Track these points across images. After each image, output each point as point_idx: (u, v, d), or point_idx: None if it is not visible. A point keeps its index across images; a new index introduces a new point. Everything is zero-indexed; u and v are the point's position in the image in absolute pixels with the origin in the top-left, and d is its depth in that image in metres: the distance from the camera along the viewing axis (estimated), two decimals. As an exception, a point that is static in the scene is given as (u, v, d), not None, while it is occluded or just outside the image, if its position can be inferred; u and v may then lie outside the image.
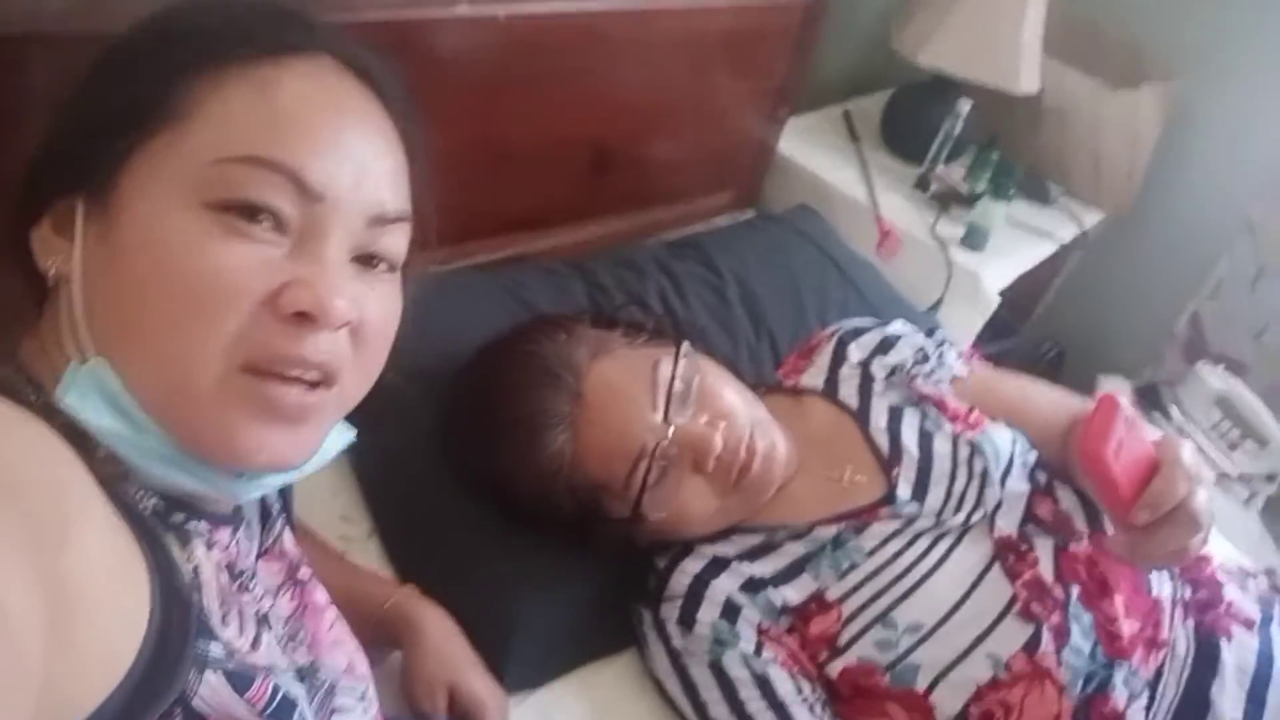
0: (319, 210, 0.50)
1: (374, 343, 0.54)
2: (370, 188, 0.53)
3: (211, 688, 0.46)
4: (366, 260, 0.54)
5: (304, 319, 0.49)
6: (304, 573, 0.66)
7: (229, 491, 0.53)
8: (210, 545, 0.54)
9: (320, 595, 0.66)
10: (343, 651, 0.65)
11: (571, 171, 1.42)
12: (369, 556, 1.02)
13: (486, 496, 0.98)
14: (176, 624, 0.45)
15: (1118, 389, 1.91)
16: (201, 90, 0.49)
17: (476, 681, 0.87)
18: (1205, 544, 0.82)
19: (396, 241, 0.55)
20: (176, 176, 0.48)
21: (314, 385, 0.51)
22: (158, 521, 0.49)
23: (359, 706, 0.63)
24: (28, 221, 0.52)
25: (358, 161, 0.52)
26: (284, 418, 0.50)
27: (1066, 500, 0.98)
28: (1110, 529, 0.94)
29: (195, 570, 0.50)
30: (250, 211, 0.48)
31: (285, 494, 0.70)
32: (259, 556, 0.62)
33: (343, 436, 0.59)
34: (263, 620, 0.57)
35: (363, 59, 0.55)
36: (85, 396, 0.47)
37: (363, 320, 0.52)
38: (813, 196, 1.73)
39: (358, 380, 0.55)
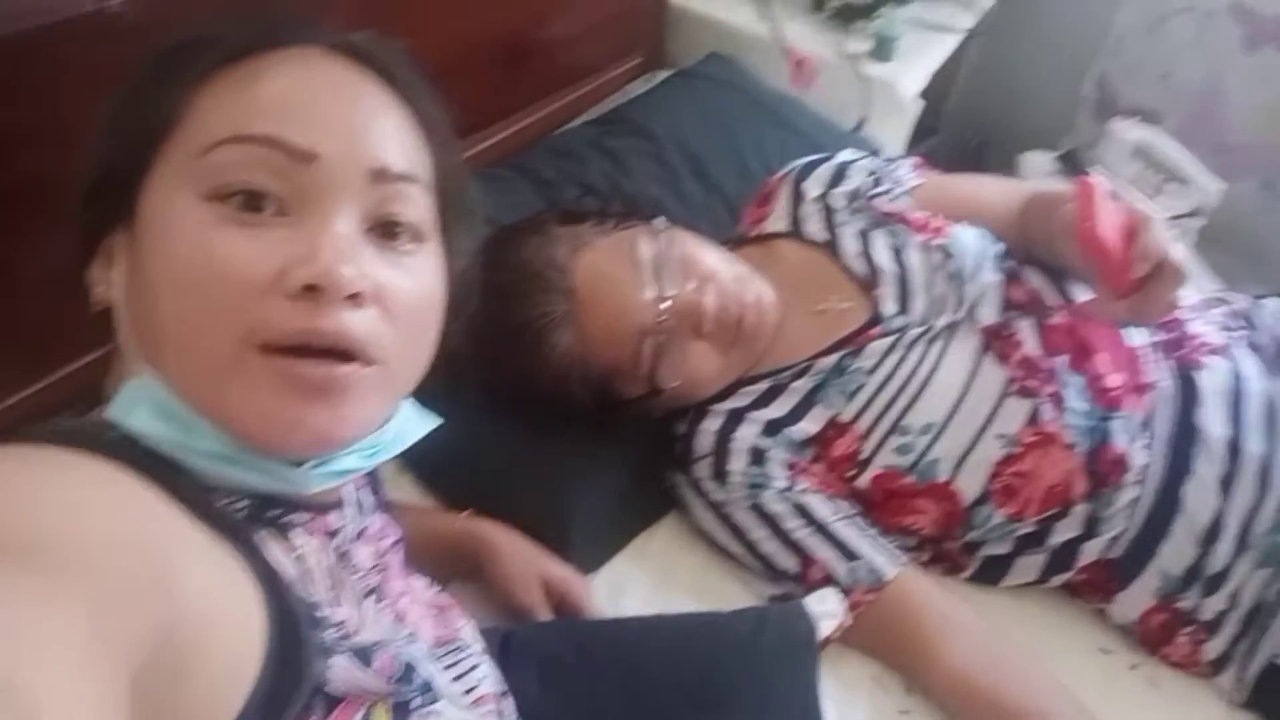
0: (315, 174, 0.49)
1: (408, 317, 0.52)
2: (366, 142, 0.51)
3: (340, 670, 0.48)
4: (387, 232, 0.52)
5: (313, 292, 0.47)
6: (385, 560, 0.67)
7: (293, 483, 0.51)
8: (312, 532, 0.55)
9: (396, 584, 0.66)
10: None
11: (486, 69, 1.40)
12: (406, 491, 1.05)
13: (509, 406, 1.01)
14: (289, 622, 0.46)
15: (1039, 164, 1.98)
16: (191, 97, 0.50)
17: (560, 568, 0.93)
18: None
19: (412, 206, 0.53)
20: (174, 176, 0.49)
21: (344, 360, 0.49)
22: (252, 523, 0.50)
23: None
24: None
25: (347, 120, 0.51)
26: (315, 392, 0.48)
27: (1036, 280, 1.04)
28: (1083, 296, 1.02)
29: (299, 559, 0.52)
30: (250, 200, 0.48)
31: (375, 482, 0.70)
32: (356, 539, 0.62)
33: (423, 423, 0.60)
34: (369, 594, 0.59)
35: (357, 44, 0.55)
36: (134, 408, 0.48)
37: (384, 292, 0.50)
38: (718, 44, 1.72)
39: (403, 359, 0.53)
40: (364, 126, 0.52)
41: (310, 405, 0.48)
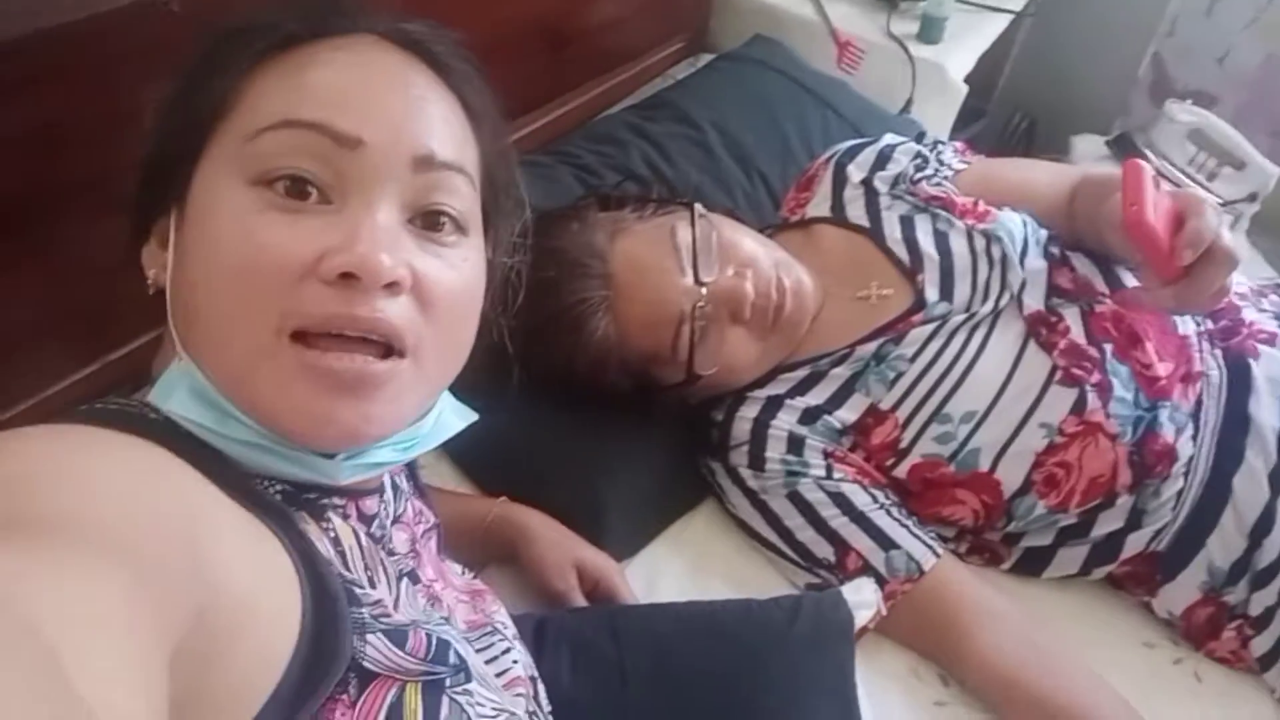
0: (359, 160, 0.49)
1: (445, 309, 0.52)
2: (412, 130, 0.51)
3: (376, 648, 0.49)
4: (429, 222, 0.52)
5: (350, 280, 0.47)
6: (419, 545, 0.67)
7: (325, 473, 0.51)
8: (347, 516, 0.55)
9: (430, 569, 0.67)
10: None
11: (529, 56, 1.40)
12: (443, 477, 1.06)
13: (547, 392, 1.01)
14: (326, 599, 0.46)
15: (1091, 147, 1.94)
16: (242, 84, 0.51)
17: (594, 553, 0.94)
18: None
19: (456, 196, 0.53)
20: (223, 161, 0.50)
21: (382, 355, 0.49)
22: (288, 504, 0.51)
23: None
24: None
25: (394, 108, 0.51)
26: (346, 388, 0.48)
27: (1083, 266, 1.02)
28: (1130, 283, 1.00)
29: (334, 540, 0.52)
30: (294, 185, 0.49)
31: (411, 468, 0.71)
32: (393, 523, 0.63)
33: (462, 417, 0.60)
34: (404, 576, 0.60)
35: (410, 32, 0.55)
36: (171, 393, 0.49)
37: (423, 282, 0.50)
38: (763, 26, 1.71)
39: (438, 352, 0.52)
40: (410, 114, 0.52)
41: (340, 401, 0.48)
